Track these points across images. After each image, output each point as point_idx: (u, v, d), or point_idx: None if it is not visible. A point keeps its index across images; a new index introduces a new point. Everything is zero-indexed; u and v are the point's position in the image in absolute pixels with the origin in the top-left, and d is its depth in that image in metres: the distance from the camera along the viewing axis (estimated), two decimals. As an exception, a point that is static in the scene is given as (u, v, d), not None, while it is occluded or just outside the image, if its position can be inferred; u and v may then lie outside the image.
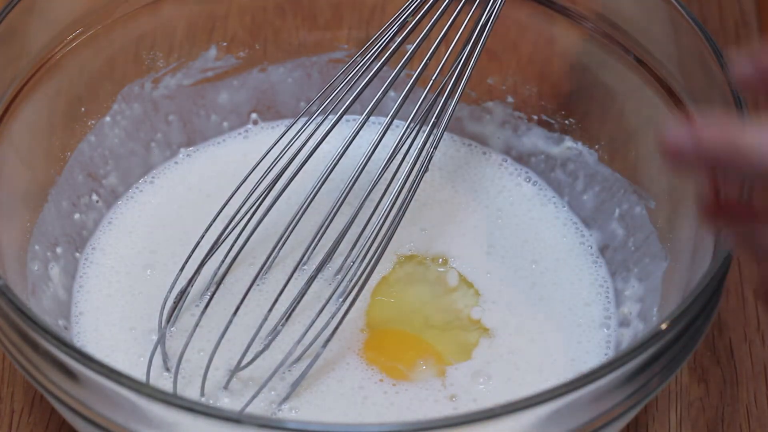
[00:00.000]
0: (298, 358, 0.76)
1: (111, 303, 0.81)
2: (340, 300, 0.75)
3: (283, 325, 0.75)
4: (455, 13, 0.75)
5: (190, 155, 0.90)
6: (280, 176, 0.75)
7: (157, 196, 0.88)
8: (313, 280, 0.77)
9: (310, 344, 0.75)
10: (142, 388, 0.60)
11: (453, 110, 0.76)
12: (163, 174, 0.89)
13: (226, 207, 0.77)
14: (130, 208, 0.87)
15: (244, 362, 0.74)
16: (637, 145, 0.84)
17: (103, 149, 0.86)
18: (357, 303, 0.75)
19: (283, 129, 0.79)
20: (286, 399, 0.75)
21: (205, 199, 0.87)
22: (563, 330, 0.80)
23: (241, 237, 0.76)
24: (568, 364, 0.78)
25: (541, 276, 0.83)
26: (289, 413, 0.74)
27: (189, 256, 0.78)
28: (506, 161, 0.90)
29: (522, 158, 0.90)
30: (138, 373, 0.75)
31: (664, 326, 0.63)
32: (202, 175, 0.89)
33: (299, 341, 0.74)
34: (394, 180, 0.77)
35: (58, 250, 0.81)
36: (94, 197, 0.86)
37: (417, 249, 0.84)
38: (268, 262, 0.79)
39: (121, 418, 0.62)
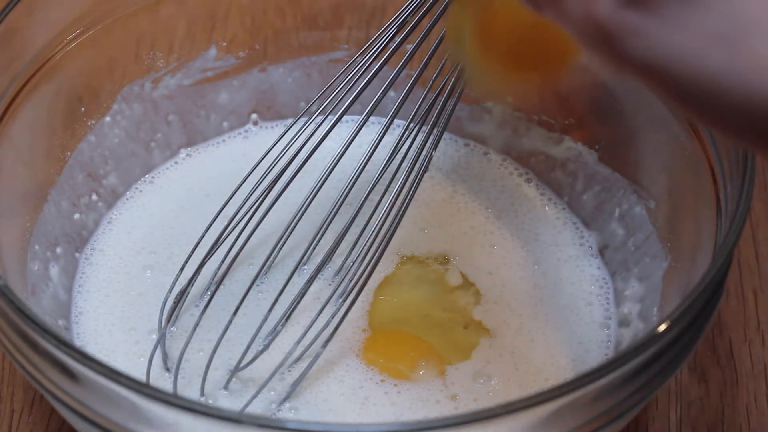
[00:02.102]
0: (298, 359, 0.76)
1: (111, 303, 0.81)
2: (340, 300, 0.75)
3: (283, 326, 0.75)
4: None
5: (190, 155, 0.90)
6: (280, 176, 0.75)
7: (157, 196, 0.88)
8: (313, 280, 0.77)
9: (310, 344, 0.75)
10: (142, 388, 0.60)
11: (453, 110, 0.76)
12: (163, 174, 0.89)
13: (226, 207, 0.77)
14: (130, 208, 0.87)
15: (244, 362, 0.74)
16: (637, 145, 0.84)
17: (103, 149, 0.86)
18: (359, 303, 0.75)
19: (283, 129, 0.79)
20: (286, 399, 0.75)
21: (205, 199, 0.87)
22: (563, 330, 0.80)
23: (241, 237, 0.76)
24: (569, 364, 0.78)
25: (542, 276, 0.83)
26: (288, 413, 0.74)
27: (189, 257, 0.78)
28: (506, 161, 0.90)
29: (522, 158, 0.90)
30: (138, 373, 0.75)
31: (664, 326, 0.63)
32: (202, 175, 0.89)
33: (299, 341, 0.74)
34: (394, 180, 0.77)
35: (58, 250, 0.81)
36: (94, 197, 0.86)
37: (418, 249, 0.84)
38: (268, 263, 0.79)
39: (121, 418, 0.62)
